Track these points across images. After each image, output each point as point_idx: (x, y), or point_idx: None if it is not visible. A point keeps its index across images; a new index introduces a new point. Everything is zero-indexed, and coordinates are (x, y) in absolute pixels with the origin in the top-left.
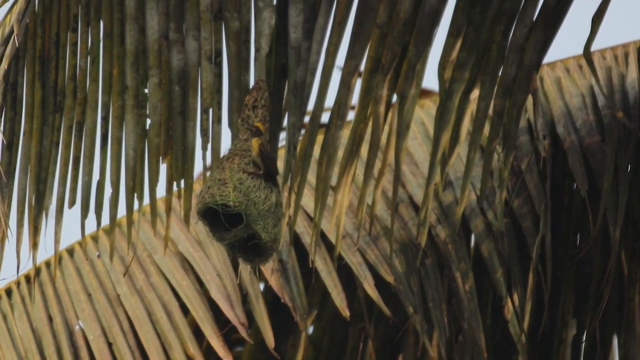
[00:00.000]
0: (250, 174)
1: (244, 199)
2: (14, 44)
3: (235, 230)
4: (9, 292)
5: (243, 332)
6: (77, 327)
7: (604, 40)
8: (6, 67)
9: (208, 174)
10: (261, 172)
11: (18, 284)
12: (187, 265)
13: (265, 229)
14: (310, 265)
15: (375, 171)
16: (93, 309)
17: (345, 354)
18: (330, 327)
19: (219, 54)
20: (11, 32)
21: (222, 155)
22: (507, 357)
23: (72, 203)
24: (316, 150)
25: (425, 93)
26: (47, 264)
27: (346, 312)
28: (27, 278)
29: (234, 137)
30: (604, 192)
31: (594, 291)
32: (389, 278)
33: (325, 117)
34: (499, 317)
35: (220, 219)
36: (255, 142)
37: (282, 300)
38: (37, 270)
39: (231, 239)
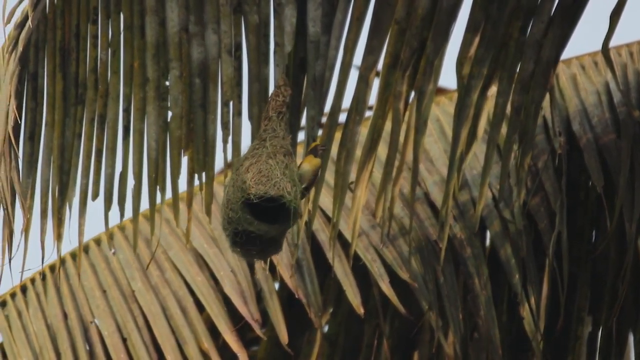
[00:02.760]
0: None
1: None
2: (29, 28)
3: (274, 227)
4: (24, 289)
5: (257, 329)
6: (92, 324)
7: (618, 37)
8: (21, 49)
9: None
10: (304, 186)
11: (33, 281)
12: (202, 262)
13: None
14: (331, 263)
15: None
16: (108, 305)
17: (361, 351)
18: (345, 324)
19: (238, 47)
20: (26, 16)
21: (254, 144)
22: (522, 354)
23: (95, 195)
24: (334, 149)
25: (441, 91)
26: (63, 261)
27: (360, 310)
28: (43, 275)
29: (263, 128)
30: (620, 187)
31: (610, 288)
32: (405, 276)
33: (343, 115)
34: (514, 314)
35: (252, 208)
36: (315, 162)
37: (297, 296)
38: (52, 268)
39: (259, 231)
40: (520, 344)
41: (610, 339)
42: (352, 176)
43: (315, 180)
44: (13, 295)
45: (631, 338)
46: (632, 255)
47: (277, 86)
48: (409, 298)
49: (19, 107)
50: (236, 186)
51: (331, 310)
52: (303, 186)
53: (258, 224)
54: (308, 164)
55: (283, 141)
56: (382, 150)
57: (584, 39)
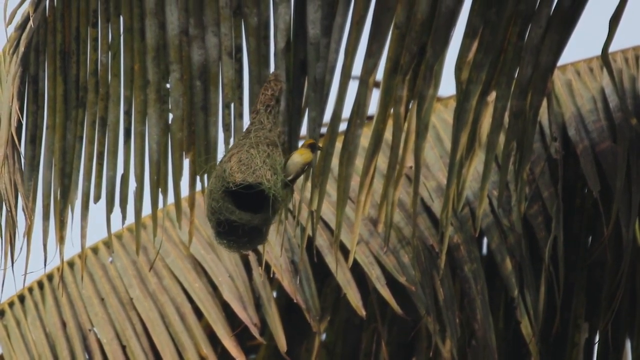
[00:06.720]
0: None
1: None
2: (30, 29)
3: (257, 216)
4: (21, 298)
5: (255, 333)
6: (90, 331)
7: (613, 43)
8: (23, 50)
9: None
10: (290, 177)
11: (31, 290)
12: (200, 268)
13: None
14: (330, 267)
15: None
16: (106, 313)
17: (359, 359)
18: (343, 332)
19: (238, 49)
20: (27, 17)
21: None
22: (520, 359)
23: (97, 198)
24: (334, 161)
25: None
26: (59, 270)
27: (362, 311)
28: (40, 284)
29: (251, 121)
30: (616, 191)
31: (607, 294)
32: (402, 279)
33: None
34: (511, 319)
35: (235, 197)
36: (307, 156)
37: (295, 301)
38: (50, 277)
39: (241, 220)
40: (517, 350)
41: (607, 346)
42: (353, 183)
43: (302, 173)
44: (11, 304)
45: (628, 344)
46: (628, 261)
47: (267, 81)
48: (406, 306)
49: (20, 109)
50: (217, 175)
51: (329, 318)
52: (289, 177)
53: (240, 213)
54: (299, 156)
55: (269, 133)
56: (380, 159)
57: (578, 45)
